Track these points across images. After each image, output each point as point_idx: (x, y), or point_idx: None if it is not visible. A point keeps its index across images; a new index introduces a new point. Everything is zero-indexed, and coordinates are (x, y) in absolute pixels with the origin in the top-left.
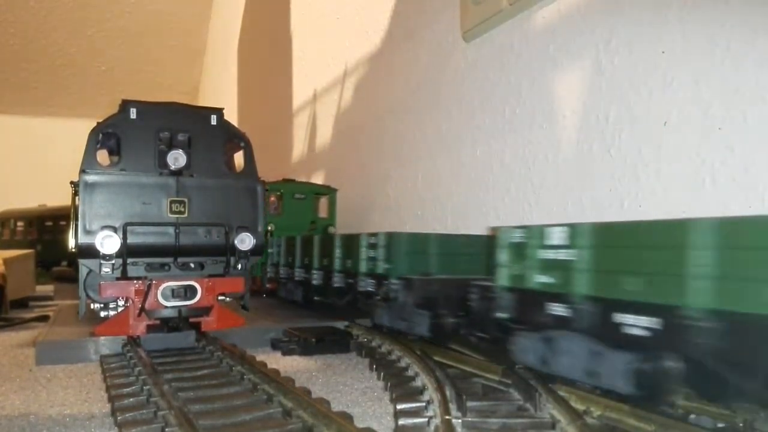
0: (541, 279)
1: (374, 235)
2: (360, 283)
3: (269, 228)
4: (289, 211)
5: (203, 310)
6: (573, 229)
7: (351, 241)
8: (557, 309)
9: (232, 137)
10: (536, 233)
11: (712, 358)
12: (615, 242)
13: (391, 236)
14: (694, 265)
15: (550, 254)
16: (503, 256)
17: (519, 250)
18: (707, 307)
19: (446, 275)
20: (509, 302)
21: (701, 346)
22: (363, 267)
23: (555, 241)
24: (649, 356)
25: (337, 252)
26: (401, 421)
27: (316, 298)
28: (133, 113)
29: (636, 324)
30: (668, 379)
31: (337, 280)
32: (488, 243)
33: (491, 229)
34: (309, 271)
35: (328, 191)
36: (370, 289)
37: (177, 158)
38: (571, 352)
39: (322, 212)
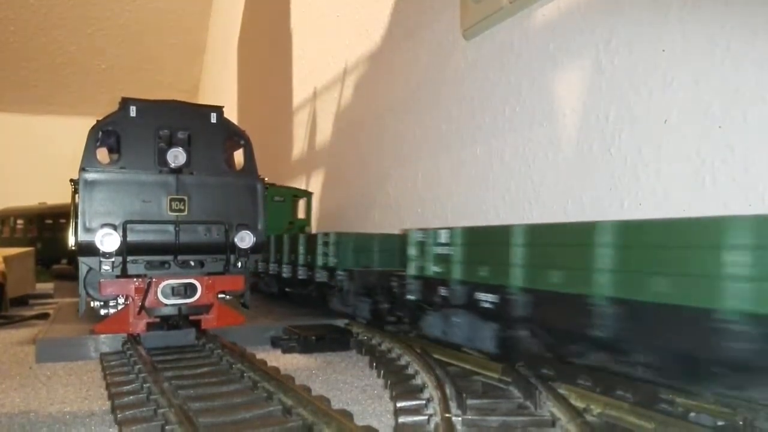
0: (435, 269)
1: (327, 234)
2: (317, 275)
3: None
4: (269, 212)
5: (203, 308)
6: (451, 231)
7: (311, 240)
8: (443, 291)
9: (232, 135)
10: (431, 234)
11: (530, 325)
12: (475, 241)
13: (339, 236)
14: (514, 255)
15: (439, 250)
16: (412, 252)
17: (422, 247)
18: (521, 285)
19: (384, 268)
20: (416, 287)
21: (521, 317)
22: (319, 261)
23: (442, 240)
24: (504, 325)
25: (301, 249)
26: (401, 419)
27: (287, 289)
28: (132, 111)
29: (485, 299)
30: (518, 342)
31: (301, 273)
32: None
33: (402, 230)
34: (281, 266)
35: (305, 194)
36: (324, 280)
37: (177, 156)
38: (459, 324)
39: (301, 214)
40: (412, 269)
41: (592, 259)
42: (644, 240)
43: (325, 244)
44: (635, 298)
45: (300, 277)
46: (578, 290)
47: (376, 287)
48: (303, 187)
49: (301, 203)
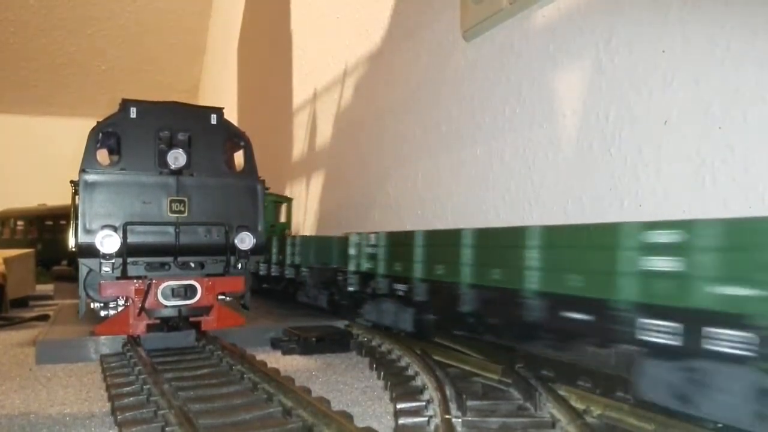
0: (367, 265)
1: (294, 237)
2: (286, 272)
3: None
4: None
5: (203, 310)
6: (377, 234)
7: (282, 241)
8: (373, 283)
9: (232, 136)
10: (365, 237)
11: (428, 308)
12: (392, 242)
13: (303, 238)
14: (416, 254)
15: (369, 250)
16: (351, 251)
17: (358, 248)
18: (420, 277)
19: (339, 266)
20: (355, 281)
21: (421, 302)
22: (288, 260)
23: (371, 242)
24: (418, 309)
25: (274, 249)
26: (401, 421)
27: (264, 285)
28: (133, 112)
29: (400, 289)
30: (424, 321)
31: (274, 270)
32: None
33: (344, 233)
34: (259, 264)
35: (285, 200)
36: (292, 276)
37: (177, 157)
38: (388, 310)
39: (282, 218)
40: (351, 266)
41: (459, 256)
42: (493, 242)
43: (293, 245)
44: (482, 284)
45: (273, 274)
46: (452, 279)
47: (330, 281)
48: (303, 188)
49: (283, 208)
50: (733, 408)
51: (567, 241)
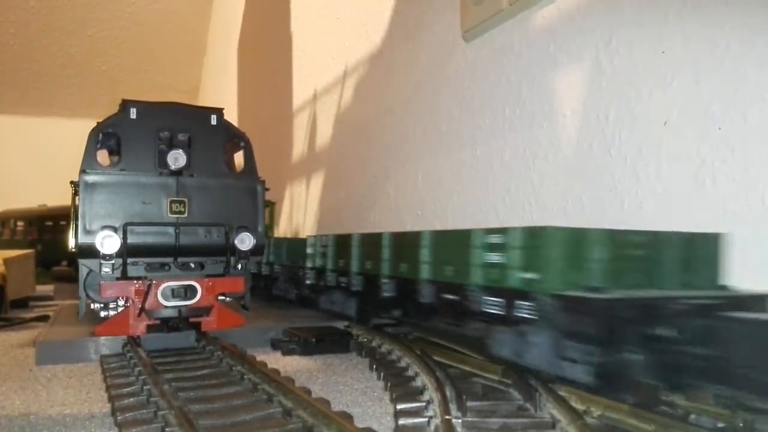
0: (320, 262)
1: (270, 238)
2: (263, 269)
3: None
4: None
5: (203, 310)
6: (328, 236)
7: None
8: (324, 277)
9: (232, 137)
10: (321, 239)
11: (361, 296)
12: (338, 242)
13: (279, 240)
14: (354, 252)
15: (322, 250)
16: (309, 250)
17: (315, 248)
18: (356, 271)
19: (303, 263)
20: (312, 276)
21: (357, 291)
22: (264, 258)
23: (323, 243)
24: (359, 298)
25: None
26: (401, 421)
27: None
28: (133, 113)
29: (342, 281)
30: (362, 308)
31: (253, 268)
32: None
33: (307, 236)
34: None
35: (268, 204)
36: (268, 273)
37: (177, 158)
38: (337, 300)
39: (266, 220)
40: (309, 262)
41: (380, 253)
42: (402, 242)
43: (269, 245)
44: (395, 275)
45: (252, 272)
46: (376, 272)
47: (296, 277)
48: (303, 188)
49: (267, 211)
50: (540, 355)
51: (444, 242)
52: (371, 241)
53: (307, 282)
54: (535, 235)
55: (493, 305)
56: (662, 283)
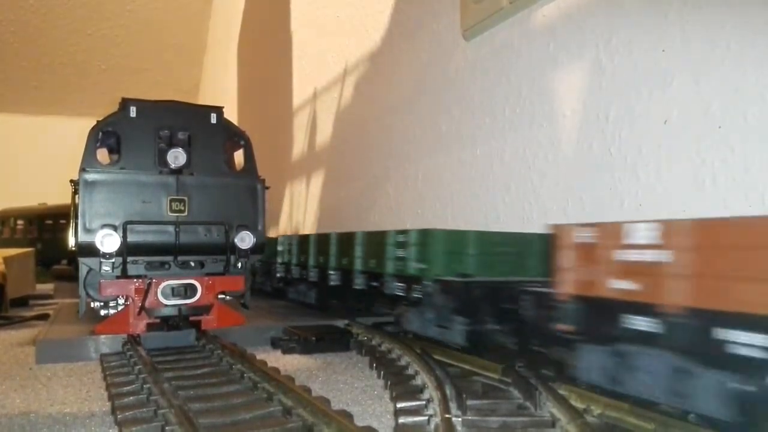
0: (287, 257)
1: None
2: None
3: None
4: None
5: (203, 309)
6: (294, 236)
7: None
8: (300, 273)
9: (232, 135)
10: (294, 239)
11: (319, 286)
12: (300, 241)
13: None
14: (311, 249)
15: (288, 247)
16: (280, 247)
17: (287, 246)
18: (313, 265)
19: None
20: (282, 269)
21: (314, 282)
22: None
23: (290, 242)
24: (316, 288)
25: None
26: (401, 420)
27: None
28: (132, 112)
29: (297, 272)
30: (320, 297)
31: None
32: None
33: (279, 235)
34: None
35: None
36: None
37: (177, 157)
38: (299, 290)
39: None
40: (279, 258)
41: (329, 249)
42: (344, 240)
43: None
44: (339, 267)
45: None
46: (325, 265)
47: (270, 271)
48: (303, 187)
49: None
50: (427, 325)
51: (371, 240)
52: (323, 239)
53: (278, 275)
54: (426, 235)
55: (399, 289)
56: (526, 272)
